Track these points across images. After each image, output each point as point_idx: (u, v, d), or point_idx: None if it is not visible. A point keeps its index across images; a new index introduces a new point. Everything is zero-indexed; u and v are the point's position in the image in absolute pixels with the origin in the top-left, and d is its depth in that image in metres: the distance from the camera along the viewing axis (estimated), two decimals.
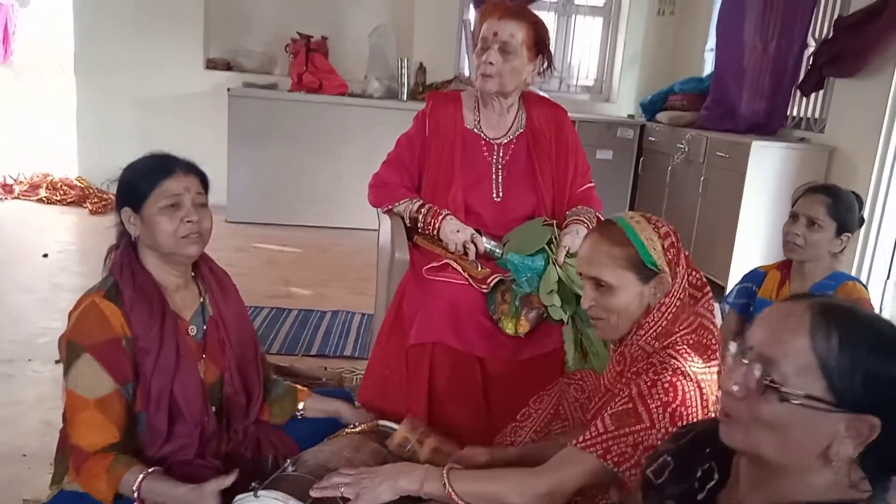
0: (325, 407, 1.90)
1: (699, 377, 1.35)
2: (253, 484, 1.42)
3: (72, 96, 5.33)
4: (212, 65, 5.41)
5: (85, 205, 5.11)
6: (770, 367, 0.85)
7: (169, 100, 5.34)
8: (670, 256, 1.42)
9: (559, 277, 2.05)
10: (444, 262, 2.14)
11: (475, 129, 2.28)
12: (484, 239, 2.18)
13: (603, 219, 2.22)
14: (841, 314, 0.86)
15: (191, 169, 1.60)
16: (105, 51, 5.23)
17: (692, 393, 1.33)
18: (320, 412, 1.89)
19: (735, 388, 0.89)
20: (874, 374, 0.82)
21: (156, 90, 5.33)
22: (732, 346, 0.93)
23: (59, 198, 5.19)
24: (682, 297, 1.42)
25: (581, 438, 1.37)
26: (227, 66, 5.41)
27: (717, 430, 0.97)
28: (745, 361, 0.89)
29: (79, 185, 5.28)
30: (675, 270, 1.42)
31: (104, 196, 5.13)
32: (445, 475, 1.38)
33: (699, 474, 1.03)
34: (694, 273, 1.47)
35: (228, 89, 4.94)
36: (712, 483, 1.02)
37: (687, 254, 1.47)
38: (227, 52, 5.44)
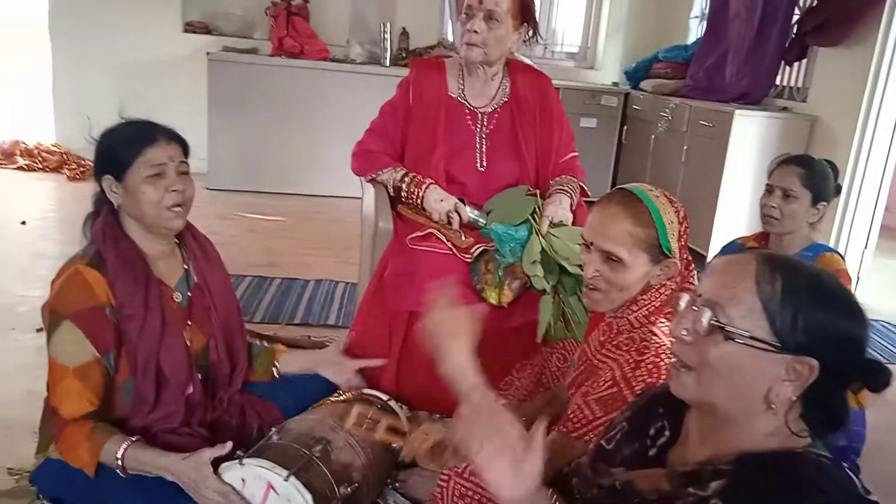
0: (303, 357, 1.89)
1: None
2: (238, 452, 1.44)
3: (46, 60, 5.21)
4: (190, 28, 5.30)
5: (63, 171, 5.03)
6: (717, 310, 0.90)
7: (147, 64, 5.23)
8: (683, 242, 1.41)
9: (542, 247, 2.06)
10: (427, 231, 2.14)
11: (459, 98, 2.27)
12: (468, 208, 2.18)
13: (585, 189, 2.24)
14: (784, 263, 0.92)
15: (173, 137, 1.58)
16: (80, 13, 5.10)
17: None
18: (299, 365, 1.88)
19: (684, 332, 0.94)
20: (814, 319, 0.87)
21: (133, 54, 5.21)
22: (684, 297, 0.97)
23: (39, 165, 5.09)
24: (678, 280, 1.43)
25: (570, 426, 1.37)
26: (206, 30, 5.30)
27: (669, 391, 0.99)
28: (695, 308, 0.93)
29: (57, 150, 5.19)
30: (682, 255, 1.42)
31: (83, 162, 5.04)
32: None
33: (652, 432, 1.07)
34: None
35: (208, 53, 4.85)
36: (663, 439, 1.05)
37: None
38: (205, 14, 5.32)
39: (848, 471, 0.88)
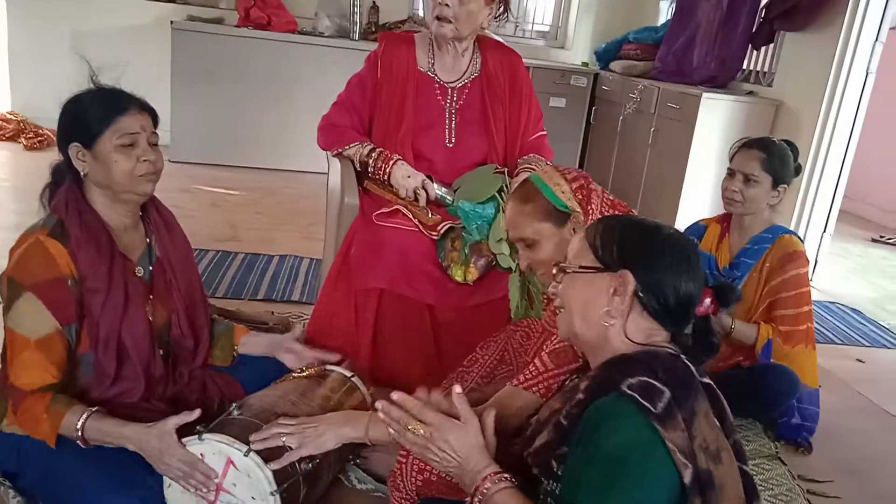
0: (263, 341, 1.86)
1: None
2: (198, 427, 1.42)
3: (3, 27, 5.03)
4: None
5: (19, 140, 4.89)
6: (564, 261, 1.20)
7: (109, 32, 5.08)
8: (580, 196, 1.49)
9: None
10: (394, 207, 2.12)
11: (429, 72, 2.24)
12: (435, 185, 2.17)
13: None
14: (609, 216, 1.24)
15: (144, 107, 1.56)
16: None
17: None
18: (258, 346, 1.85)
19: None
20: (625, 240, 1.13)
21: (95, 21, 5.06)
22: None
23: None
24: None
25: (521, 378, 1.40)
26: None
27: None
28: None
29: (13, 118, 5.03)
30: (588, 208, 1.48)
31: (41, 131, 4.90)
32: None
33: (566, 380, 1.30)
34: (618, 205, 1.54)
35: (172, 22, 4.73)
36: (572, 382, 1.25)
37: (606, 192, 1.55)
38: None
39: (687, 362, 1.08)
